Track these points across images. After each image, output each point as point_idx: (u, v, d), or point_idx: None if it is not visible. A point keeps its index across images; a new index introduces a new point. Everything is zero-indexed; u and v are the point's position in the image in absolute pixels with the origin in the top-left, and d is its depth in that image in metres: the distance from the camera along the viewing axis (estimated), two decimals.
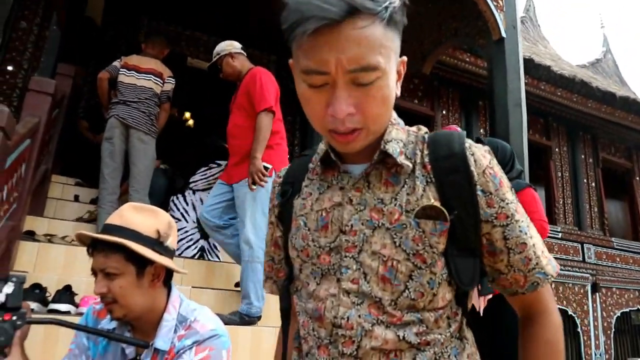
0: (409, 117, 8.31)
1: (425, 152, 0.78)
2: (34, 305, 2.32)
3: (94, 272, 1.27)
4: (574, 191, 8.67)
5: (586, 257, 8.00)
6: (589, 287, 7.84)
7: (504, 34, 3.52)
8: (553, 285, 7.53)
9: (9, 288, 1.07)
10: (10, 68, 5.47)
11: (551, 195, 8.40)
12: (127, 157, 3.72)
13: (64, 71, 3.79)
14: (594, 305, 7.79)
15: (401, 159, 0.76)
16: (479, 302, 2.50)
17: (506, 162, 2.73)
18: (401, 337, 0.71)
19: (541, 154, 8.76)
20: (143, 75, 3.89)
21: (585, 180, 8.84)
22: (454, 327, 0.76)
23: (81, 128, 4.93)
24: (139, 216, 1.30)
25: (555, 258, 7.57)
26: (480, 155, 0.77)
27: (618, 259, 8.45)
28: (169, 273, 1.37)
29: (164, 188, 4.32)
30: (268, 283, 0.96)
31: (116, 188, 3.59)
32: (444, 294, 0.73)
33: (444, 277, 0.73)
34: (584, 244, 8.09)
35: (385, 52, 0.68)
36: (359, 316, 0.72)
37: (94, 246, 1.27)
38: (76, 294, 2.64)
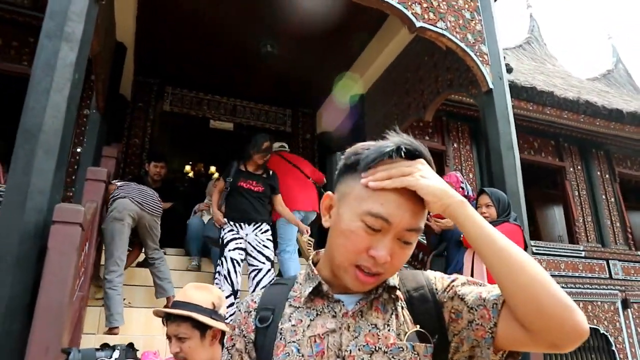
0: None
1: (397, 283, 0.90)
2: None
3: (169, 337, 1.71)
4: (593, 208, 8.80)
5: (613, 273, 8.06)
6: (619, 304, 7.87)
7: (491, 86, 3.91)
8: (581, 305, 7.62)
9: (116, 354, 1.52)
10: None
11: (570, 215, 8.56)
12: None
13: (108, 153, 4.33)
14: (627, 321, 7.81)
15: (399, 291, 0.89)
16: None
17: (506, 208, 3.20)
18: None
19: (555, 175, 8.98)
20: None
21: (603, 196, 8.96)
22: None
23: None
24: (198, 293, 1.74)
25: (581, 277, 7.70)
26: (438, 281, 0.91)
27: None
28: (222, 333, 1.79)
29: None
30: None
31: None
32: None
33: None
34: (609, 260, 8.16)
35: (424, 219, 0.85)
36: None
37: (168, 318, 1.71)
38: (137, 350, 3.07)
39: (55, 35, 2.69)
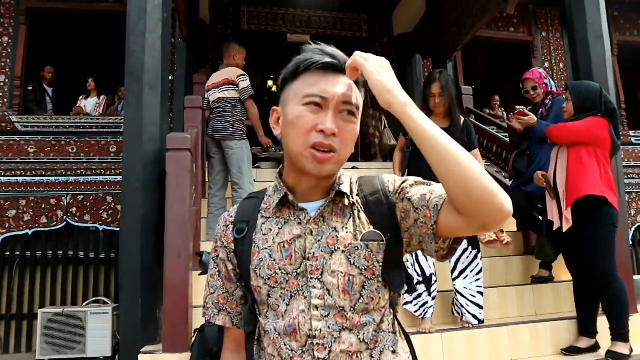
0: (505, 48, 8.25)
1: (356, 190, 0.99)
2: None
3: None
4: None
5: None
6: None
7: None
8: None
9: None
10: None
11: None
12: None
13: (198, 80, 4.67)
14: None
15: (352, 197, 0.97)
16: (565, 223, 2.97)
17: (589, 99, 3.00)
18: (361, 340, 0.90)
19: None
20: (220, 89, 4.29)
21: None
22: (390, 323, 0.97)
23: None
24: None
25: None
26: (390, 183, 0.99)
27: None
28: None
29: None
30: (221, 315, 1.02)
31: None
32: (384, 295, 0.94)
33: (384, 283, 0.94)
34: None
35: (360, 104, 0.94)
36: (329, 327, 0.89)
37: None
38: None
39: None
